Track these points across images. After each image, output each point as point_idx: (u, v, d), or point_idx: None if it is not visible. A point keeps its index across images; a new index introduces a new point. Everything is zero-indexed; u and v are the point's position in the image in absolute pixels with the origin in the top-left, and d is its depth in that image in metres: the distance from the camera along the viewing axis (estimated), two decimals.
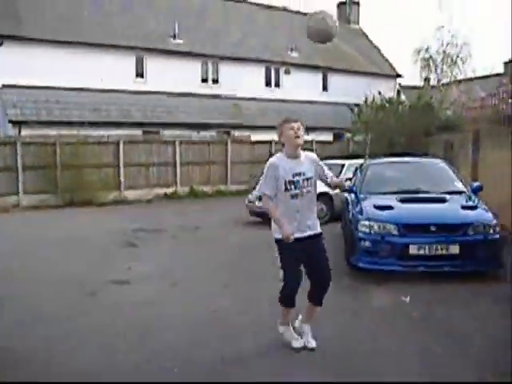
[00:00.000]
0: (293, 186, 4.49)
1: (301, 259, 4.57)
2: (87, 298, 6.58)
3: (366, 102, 21.55)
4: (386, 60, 31.58)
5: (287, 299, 4.65)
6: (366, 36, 33.27)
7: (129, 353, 4.75)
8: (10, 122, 19.05)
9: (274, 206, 4.52)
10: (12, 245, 10.44)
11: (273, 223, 4.64)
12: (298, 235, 4.48)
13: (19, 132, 18.79)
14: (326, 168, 4.73)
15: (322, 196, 12.57)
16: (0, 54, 19.86)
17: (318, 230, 4.68)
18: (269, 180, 4.51)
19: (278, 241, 4.58)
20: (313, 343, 4.70)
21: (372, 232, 7.07)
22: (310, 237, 4.59)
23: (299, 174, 4.51)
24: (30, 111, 19.52)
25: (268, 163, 4.56)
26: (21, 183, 17.16)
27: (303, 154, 4.62)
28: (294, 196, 4.51)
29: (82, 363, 4.56)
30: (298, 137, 4.48)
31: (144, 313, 5.89)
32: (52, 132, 17.99)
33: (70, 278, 7.61)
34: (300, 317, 4.95)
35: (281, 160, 4.54)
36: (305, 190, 4.54)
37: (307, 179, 4.54)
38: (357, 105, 22.33)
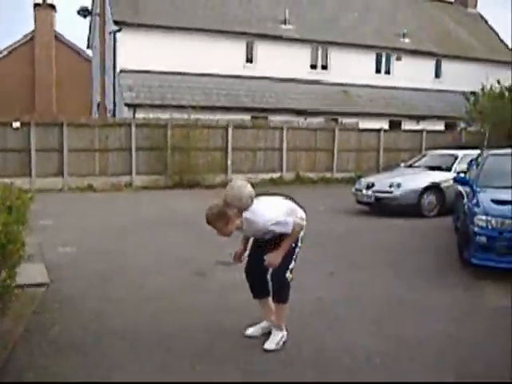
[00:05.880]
0: None
1: None
2: (196, 277, 6.76)
3: (482, 90, 20.45)
4: (506, 46, 29.76)
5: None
6: (485, 20, 31.50)
7: (233, 334, 4.82)
8: (126, 104, 19.89)
9: None
10: (125, 222, 10.93)
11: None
12: None
13: (134, 114, 19.58)
14: None
15: (431, 188, 12.18)
16: (118, 40, 20.81)
17: None
18: None
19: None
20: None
21: (489, 227, 6.69)
22: None
23: None
24: (144, 95, 20.27)
25: None
26: (134, 164, 17.91)
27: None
28: None
29: (188, 340, 4.70)
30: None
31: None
32: (164, 115, 18.59)
33: (176, 258, 7.86)
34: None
35: None
36: None
37: None
38: (472, 93, 21.25)
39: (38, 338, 4.70)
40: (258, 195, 4.65)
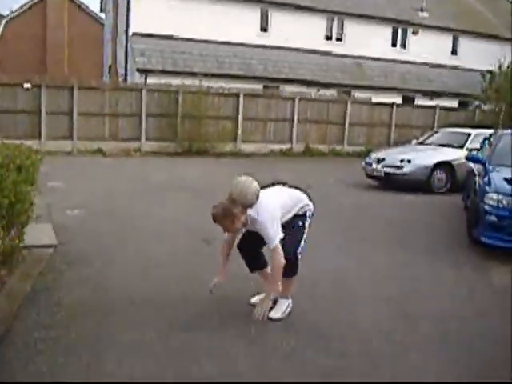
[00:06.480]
0: None
1: None
2: (203, 245, 6.75)
3: (499, 68, 20.13)
4: None
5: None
6: None
7: (238, 302, 4.83)
8: (138, 69, 19.72)
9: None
10: (134, 187, 10.94)
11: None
12: None
13: (145, 80, 19.40)
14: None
15: (442, 165, 12.08)
16: (132, 4, 20.51)
17: None
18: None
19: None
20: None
21: (500, 206, 6.62)
22: None
23: None
24: (156, 60, 20.06)
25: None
26: (143, 129, 17.85)
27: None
28: None
29: (193, 307, 4.72)
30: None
31: None
32: (176, 81, 18.45)
33: (184, 224, 7.86)
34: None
35: None
36: None
37: None
38: (489, 71, 20.93)
39: (45, 299, 4.72)
40: (272, 184, 4.82)
